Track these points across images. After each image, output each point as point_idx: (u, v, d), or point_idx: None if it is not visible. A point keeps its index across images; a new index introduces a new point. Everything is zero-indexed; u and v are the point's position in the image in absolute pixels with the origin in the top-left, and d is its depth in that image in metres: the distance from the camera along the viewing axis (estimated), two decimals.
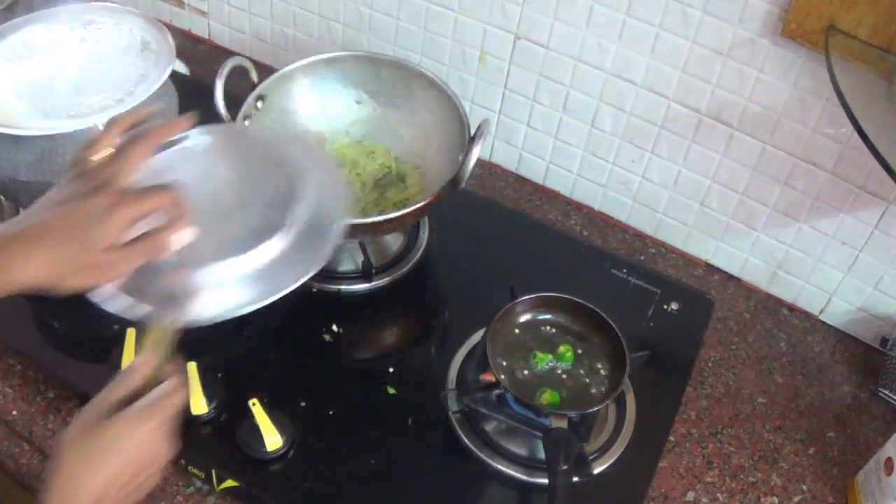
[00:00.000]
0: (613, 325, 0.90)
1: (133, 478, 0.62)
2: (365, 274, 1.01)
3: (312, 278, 1.02)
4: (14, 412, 0.90)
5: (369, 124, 1.11)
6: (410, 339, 1.03)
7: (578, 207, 1.22)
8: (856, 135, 0.80)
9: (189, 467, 0.85)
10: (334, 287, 1.03)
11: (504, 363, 0.89)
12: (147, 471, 0.63)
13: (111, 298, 0.67)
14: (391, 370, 0.95)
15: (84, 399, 0.89)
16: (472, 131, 0.97)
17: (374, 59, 1.08)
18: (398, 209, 0.93)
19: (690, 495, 0.91)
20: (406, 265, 1.05)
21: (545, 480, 0.84)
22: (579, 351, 0.91)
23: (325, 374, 0.96)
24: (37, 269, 0.60)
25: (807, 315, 1.12)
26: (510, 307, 0.92)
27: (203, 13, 1.39)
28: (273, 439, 0.84)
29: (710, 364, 1.04)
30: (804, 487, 0.93)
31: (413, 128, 1.09)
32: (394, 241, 1.08)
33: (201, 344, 0.97)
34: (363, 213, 1.02)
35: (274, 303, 1.01)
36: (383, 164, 1.08)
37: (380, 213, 0.94)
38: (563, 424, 0.84)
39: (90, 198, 0.61)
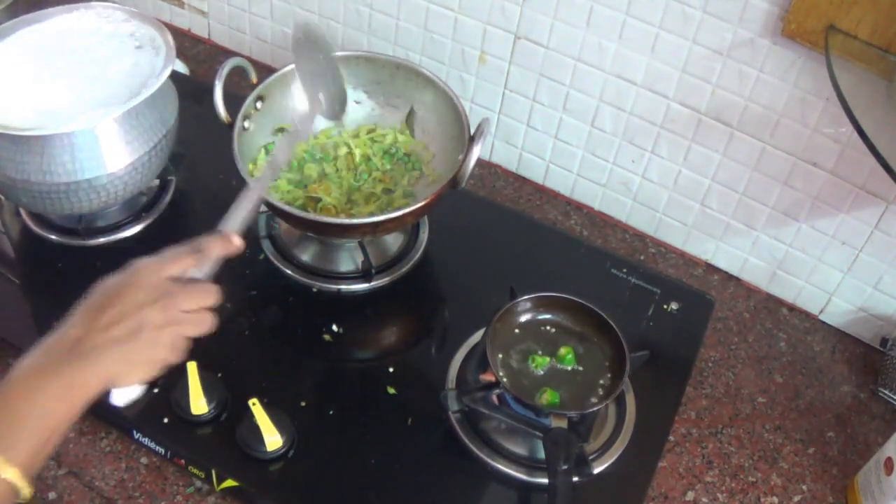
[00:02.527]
0: (613, 325, 0.90)
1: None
2: (365, 274, 1.01)
3: (313, 278, 1.03)
4: None
5: (368, 124, 1.11)
6: (410, 339, 1.03)
7: (578, 207, 1.22)
8: (856, 135, 0.80)
9: (189, 467, 0.85)
10: (334, 287, 1.03)
11: (504, 363, 0.89)
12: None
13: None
14: (391, 370, 0.95)
15: None
16: (472, 131, 0.97)
17: (374, 59, 1.08)
18: (398, 209, 0.93)
19: (690, 495, 0.91)
20: (406, 265, 1.05)
21: (545, 480, 0.84)
22: (580, 351, 0.91)
23: (325, 374, 0.96)
24: (103, 378, 0.64)
25: (807, 315, 1.12)
26: (510, 307, 0.92)
27: (203, 13, 1.39)
28: (273, 439, 0.84)
29: (710, 364, 1.04)
30: (804, 487, 0.93)
31: (413, 128, 1.09)
32: (394, 241, 1.08)
33: (201, 344, 0.97)
34: (363, 213, 1.02)
35: (274, 302, 1.02)
36: (392, 142, 1.08)
37: (380, 213, 0.94)
38: (563, 424, 0.84)
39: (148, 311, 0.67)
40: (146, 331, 0.65)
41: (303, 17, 1.24)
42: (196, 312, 0.68)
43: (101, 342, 0.64)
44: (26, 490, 0.61)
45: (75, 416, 0.63)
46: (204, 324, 0.69)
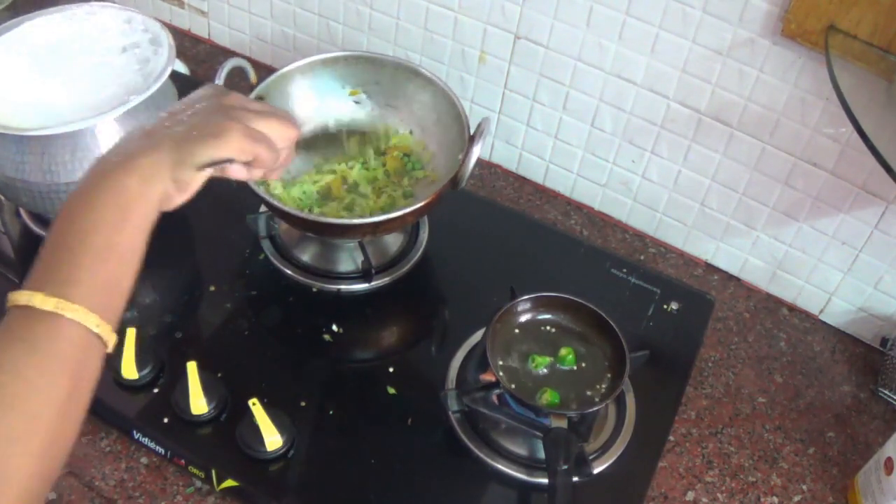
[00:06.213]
0: (613, 325, 0.90)
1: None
2: (365, 274, 1.01)
3: (313, 278, 1.03)
4: None
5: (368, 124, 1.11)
6: (410, 339, 1.03)
7: (578, 207, 1.22)
8: (856, 135, 0.80)
9: (189, 467, 0.85)
10: (334, 287, 1.03)
11: (504, 363, 0.89)
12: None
13: None
14: (391, 370, 0.95)
15: None
16: (472, 131, 0.97)
17: (373, 59, 1.08)
18: (398, 209, 0.93)
19: (690, 495, 0.91)
20: (406, 265, 1.05)
21: (545, 480, 0.84)
22: (580, 351, 0.91)
23: (325, 374, 0.96)
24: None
25: (807, 315, 1.12)
26: (510, 307, 0.92)
27: (203, 13, 1.39)
28: (273, 439, 0.84)
29: (710, 364, 1.04)
30: (804, 487, 0.93)
31: (413, 128, 1.09)
32: (394, 241, 1.08)
33: (201, 344, 0.97)
34: (364, 212, 1.02)
35: (274, 302, 1.02)
36: (398, 143, 1.08)
37: (380, 213, 0.94)
38: (563, 424, 0.84)
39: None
40: (213, 105, 0.60)
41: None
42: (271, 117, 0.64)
43: (161, 129, 0.58)
44: (108, 334, 0.52)
45: (142, 238, 0.56)
46: (281, 132, 0.64)
